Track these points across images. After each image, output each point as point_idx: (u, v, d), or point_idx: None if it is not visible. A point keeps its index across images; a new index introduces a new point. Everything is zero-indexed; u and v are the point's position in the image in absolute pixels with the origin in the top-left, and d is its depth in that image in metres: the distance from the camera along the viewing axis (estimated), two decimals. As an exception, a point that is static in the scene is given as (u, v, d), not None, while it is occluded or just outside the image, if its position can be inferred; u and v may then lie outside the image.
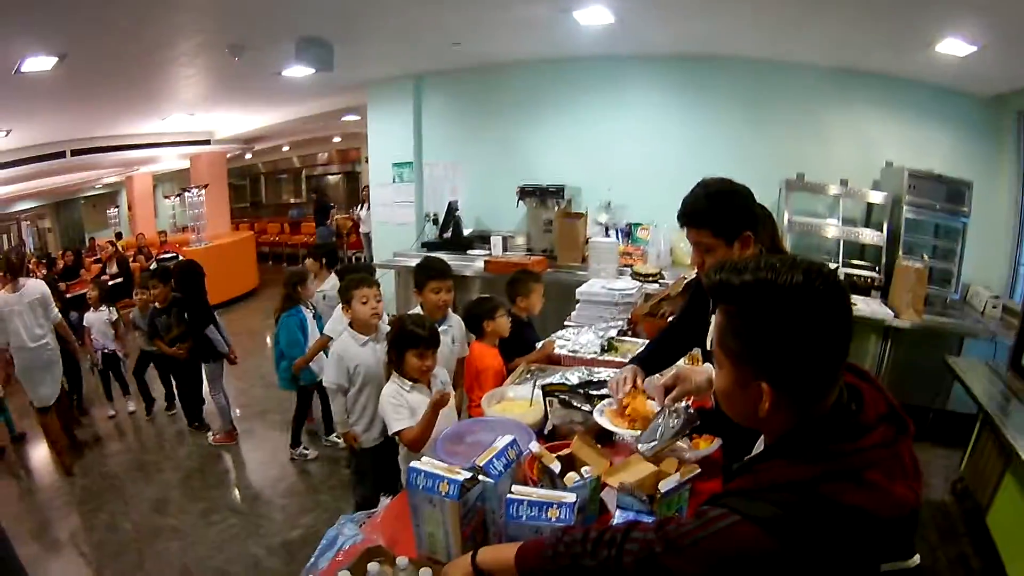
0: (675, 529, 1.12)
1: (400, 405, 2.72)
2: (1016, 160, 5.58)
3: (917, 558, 1.21)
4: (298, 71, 6.31)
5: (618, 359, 3.35)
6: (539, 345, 3.60)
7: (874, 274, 5.58)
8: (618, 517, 1.62)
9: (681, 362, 2.72)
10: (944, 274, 5.53)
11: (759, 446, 1.35)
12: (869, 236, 5.74)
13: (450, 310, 3.64)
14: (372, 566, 1.63)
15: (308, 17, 5.24)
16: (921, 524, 4.04)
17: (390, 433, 2.73)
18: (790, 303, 1.06)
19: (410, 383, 2.79)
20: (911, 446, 1.14)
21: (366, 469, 3.48)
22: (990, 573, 3.52)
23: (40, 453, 5.38)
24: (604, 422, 2.28)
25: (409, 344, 2.78)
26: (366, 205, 10.92)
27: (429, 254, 4.04)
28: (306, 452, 5.02)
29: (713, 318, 1.22)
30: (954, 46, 4.72)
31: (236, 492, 4.67)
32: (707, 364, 2.25)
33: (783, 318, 1.07)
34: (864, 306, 5.20)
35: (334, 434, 4.94)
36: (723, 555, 1.05)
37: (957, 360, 4.50)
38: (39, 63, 5.43)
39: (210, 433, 5.47)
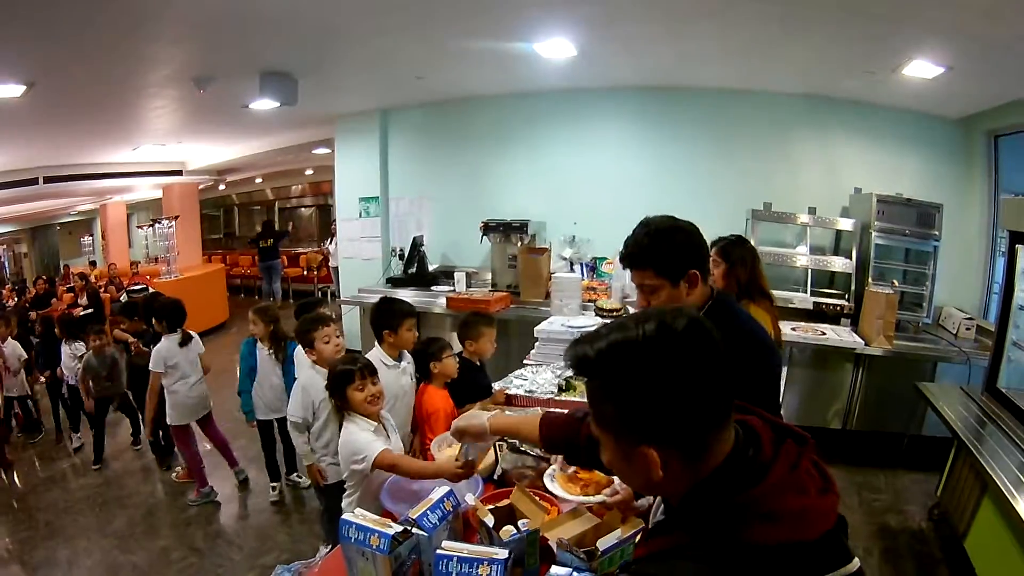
0: None
1: (371, 433, 2.64)
2: (986, 180, 5.63)
3: (856, 562, 1.13)
4: (263, 104, 6.28)
5: (576, 399, 3.29)
6: (496, 388, 3.53)
7: (844, 302, 5.55)
8: (553, 573, 1.55)
9: None
10: (916, 298, 5.53)
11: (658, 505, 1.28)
12: (838, 264, 5.73)
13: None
14: (307, 616, 1.58)
15: (271, 51, 5.26)
16: (898, 552, 4.03)
17: (364, 464, 2.53)
18: (648, 355, 1.00)
19: (373, 424, 2.70)
20: (812, 454, 1.08)
21: (337, 507, 3.39)
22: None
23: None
24: (555, 488, 2.12)
25: (345, 382, 2.69)
26: (335, 239, 10.91)
27: (387, 295, 4.01)
28: (274, 486, 4.91)
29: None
30: (922, 68, 4.75)
31: (197, 530, 4.55)
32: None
33: (647, 373, 1.00)
34: (834, 335, 5.17)
35: (295, 473, 4.91)
36: None
37: (929, 386, 4.47)
38: (7, 90, 5.43)
39: (177, 468, 5.35)
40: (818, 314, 5.48)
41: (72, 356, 5.94)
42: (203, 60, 5.37)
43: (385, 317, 3.48)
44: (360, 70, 5.93)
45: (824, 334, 5.16)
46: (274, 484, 4.95)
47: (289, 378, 4.56)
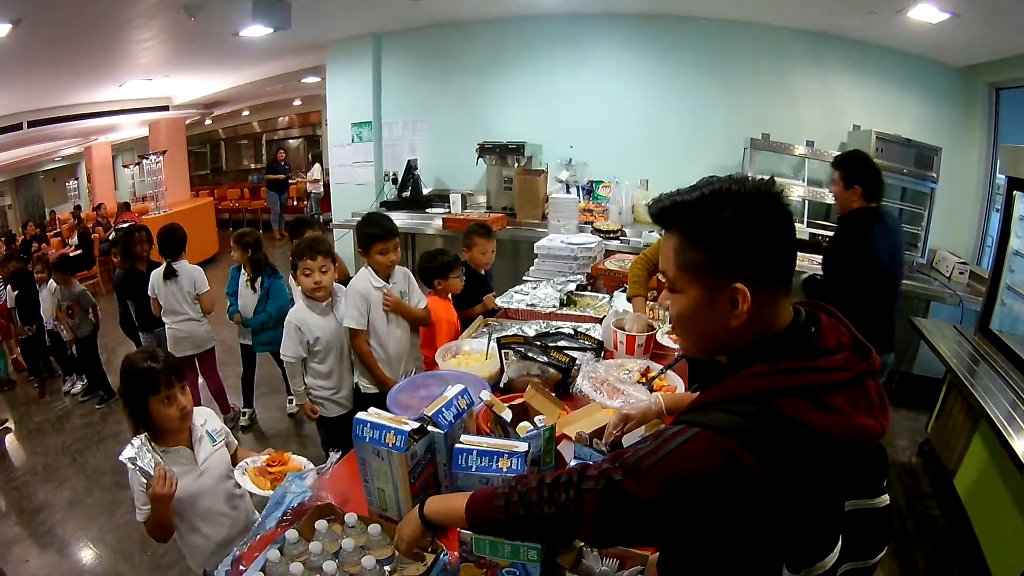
0: (632, 455, 1.04)
1: (141, 470, 2.11)
2: (986, 130, 5.53)
3: (886, 498, 1.14)
4: (256, 31, 6.14)
5: (576, 312, 3.29)
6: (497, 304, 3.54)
7: (839, 234, 5.54)
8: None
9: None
10: (911, 238, 5.50)
11: None
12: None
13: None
14: (320, 524, 1.58)
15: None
16: (889, 482, 4.05)
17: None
18: (741, 201, 1.05)
19: (159, 450, 2.21)
20: (879, 384, 1.09)
21: (336, 440, 3.38)
22: (957, 533, 3.55)
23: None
24: (246, 483, 2.06)
25: (146, 390, 2.13)
26: (317, 167, 11.02)
27: (372, 212, 3.91)
28: (243, 412, 5.05)
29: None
30: (927, 12, 4.63)
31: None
32: (655, 394, 2.05)
33: (742, 214, 1.05)
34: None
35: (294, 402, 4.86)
36: (686, 470, 0.97)
37: (923, 321, 4.51)
38: (-6, 30, 5.25)
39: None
40: (813, 245, 5.44)
41: (50, 295, 5.77)
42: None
43: (359, 238, 3.31)
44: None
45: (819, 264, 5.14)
46: (246, 409, 5.06)
47: (269, 306, 4.59)
